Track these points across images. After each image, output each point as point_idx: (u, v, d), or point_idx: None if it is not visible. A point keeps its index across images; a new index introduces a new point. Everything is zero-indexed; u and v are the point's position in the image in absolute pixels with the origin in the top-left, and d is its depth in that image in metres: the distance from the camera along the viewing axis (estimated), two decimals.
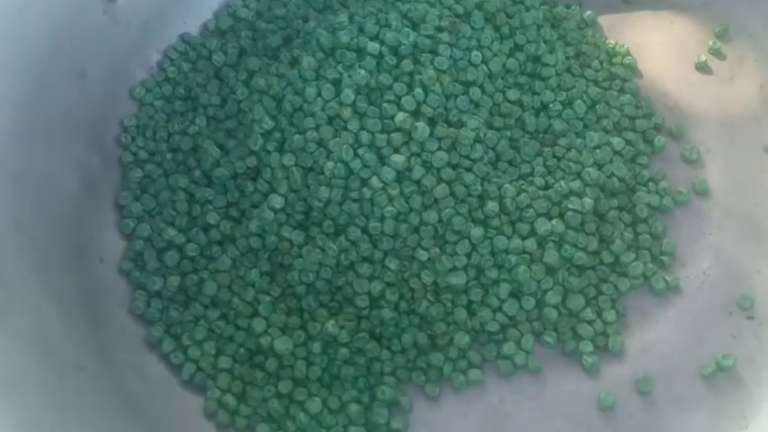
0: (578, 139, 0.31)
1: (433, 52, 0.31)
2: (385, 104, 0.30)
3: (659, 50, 0.34)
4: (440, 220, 0.29)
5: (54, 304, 0.27)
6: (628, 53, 0.34)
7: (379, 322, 0.29)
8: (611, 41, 0.34)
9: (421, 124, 0.29)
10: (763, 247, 0.30)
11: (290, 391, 0.28)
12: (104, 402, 0.26)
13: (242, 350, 0.29)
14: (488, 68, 0.31)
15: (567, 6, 0.35)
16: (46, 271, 0.27)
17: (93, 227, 0.30)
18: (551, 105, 0.31)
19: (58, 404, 0.24)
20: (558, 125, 0.31)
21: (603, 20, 0.35)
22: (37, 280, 0.26)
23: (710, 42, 0.34)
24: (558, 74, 0.32)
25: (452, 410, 0.28)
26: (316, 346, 0.28)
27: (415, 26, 0.31)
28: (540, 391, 0.28)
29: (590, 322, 0.29)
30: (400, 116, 0.29)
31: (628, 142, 0.31)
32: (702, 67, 0.34)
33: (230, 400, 0.28)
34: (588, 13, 0.35)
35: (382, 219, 0.29)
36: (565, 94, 0.32)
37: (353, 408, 0.28)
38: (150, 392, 0.28)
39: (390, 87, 0.30)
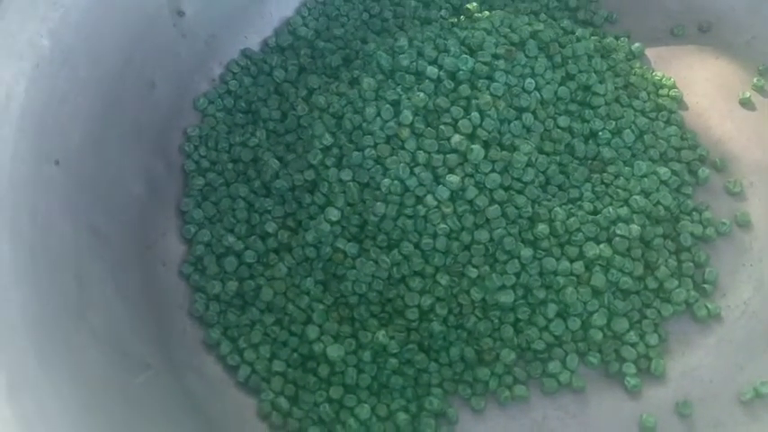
0: (626, 168, 0.32)
1: (490, 78, 0.32)
2: (442, 126, 0.31)
3: (704, 85, 0.35)
4: (491, 240, 0.30)
5: (124, 305, 0.28)
6: (674, 86, 0.35)
7: (428, 335, 0.30)
8: (659, 74, 0.36)
9: (476, 147, 0.30)
10: None
11: (341, 396, 0.29)
12: (166, 399, 0.28)
13: (295, 355, 0.30)
14: (541, 95, 0.33)
15: (617, 38, 0.37)
16: (117, 273, 0.29)
17: (156, 231, 0.32)
18: (600, 133, 0.33)
19: (125, 399, 0.26)
20: (606, 153, 0.32)
21: (651, 52, 0.37)
22: (110, 281, 0.28)
23: (755, 79, 0.35)
24: (607, 103, 0.33)
25: (497, 424, 0.29)
26: (366, 355, 0.29)
27: (472, 52, 0.32)
28: (582, 409, 0.29)
29: (633, 345, 0.30)
30: (456, 138, 0.31)
31: (674, 172, 0.32)
32: (746, 103, 0.35)
33: (283, 402, 0.29)
34: (636, 45, 0.36)
35: (435, 235, 0.30)
36: (614, 123, 0.33)
37: (401, 416, 0.29)
38: (208, 392, 0.29)
39: (447, 110, 0.31)
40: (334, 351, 0.29)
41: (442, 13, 0.37)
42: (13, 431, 0.21)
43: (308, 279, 0.31)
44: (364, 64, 0.34)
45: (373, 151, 0.31)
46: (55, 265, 0.26)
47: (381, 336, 0.30)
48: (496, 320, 0.30)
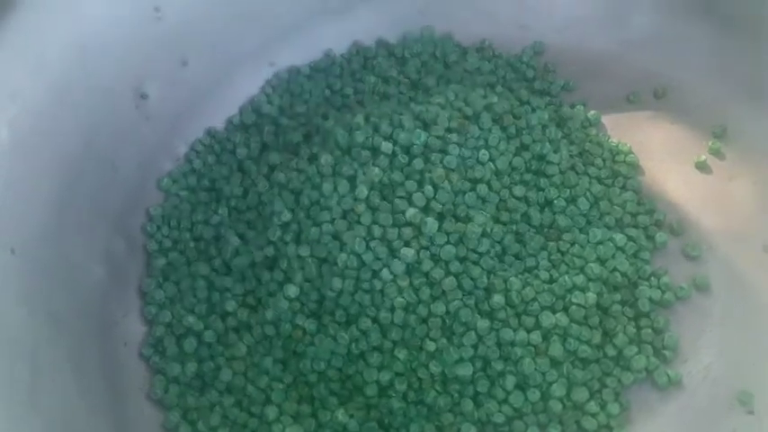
0: (582, 235, 0.32)
1: (443, 151, 0.32)
2: (397, 200, 0.31)
3: (660, 149, 0.36)
4: (447, 312, 0.30)
5: (81, 390, 0.28)
6: (630, 151, 0.36)
7: (387, 411, 0.29)
8: (615, 140, 0.36)
9: (430, 219, 0.31)
10: (763, 344, 0.30)
11: None
12: None
13: None
14: (495, 166, 0.33)
15: (572, 106, 0.37)
16: (75, 357, 0.29)
17: (118, 312, 0.32)
18: (555, 201, 0.33)
19: None
20: (562, 221, 0.33)
21: (607, 119, 0.37)
22: (67, 366, 0.28)
23: (710, 143, 0.35)
24: (561, 171, 0.34)
25: None
26: None
27: (426, 127, 0.33)
28: None
29: (594, 415, 0.29)
30: (411, 211, 0.31)
31: (630, 238, 0.33)
32: (702, 167, 0.35)
33: None
34: (592, 112, 0.37)
35: (392, 309, 0.30)
36: (569, 191, 0.33)
37: None
38: None
39: (402, 184, 0.32)
40: None
41: (401, 88, 0.38)
42: None
43: (267, 358, 0.31)
44: (323, 140, 0.34)
45: (330, 226, 0.31)
46: (7, 353, 0.26)
47: (341, 414, 0.29)
48: (456, 394, 0.30)
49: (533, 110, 0.36)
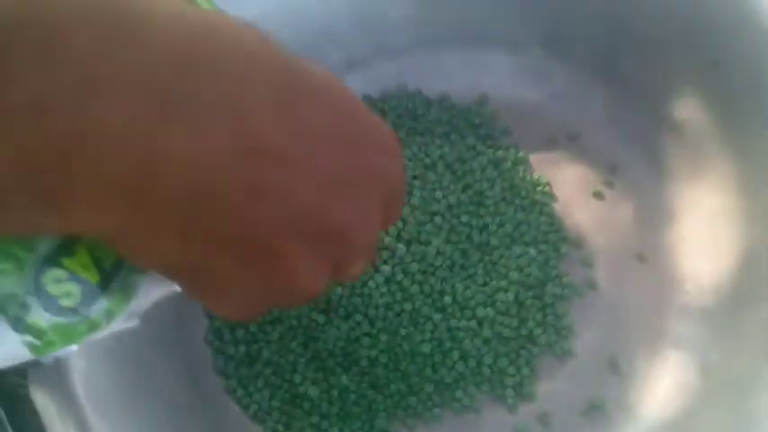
0: (507, 251, 0.46)
1: (410, 194, 0.46)
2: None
3: (570, 181, 0.49)
4: (413, 309, 0.44)
5: (167, 366, 0.42)
6: (547, 184, 0.49)
7: (375, 376, 0.44)
8: (536, 175, 0.49)
9: (401, 245, 0.45)
10: (629, 327, 0.44)
11: (318, 422, 0.43)
12: (204, 428, 0.42)
13: (287, 395, 0.44)
14: (448, 202, 0.47)
15: (507, 148, 0.50)
16: (162, 344, 0.43)
17: (189, 311, 0.46)
18: (490, 226, 0.47)
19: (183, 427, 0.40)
20: (494, 240, 0.46)
21: (532, 157, 0.50)
22: (158, 348, 0.42)
23: (603, 176, 0.49)
24: (495, 203, 0.47)
25: None
26: (335, 393, 0.44)
27: None
28: (478, 421, 0.43)
29: (512, 376, 0.44)
30: (387, 239, 0.45)
31: (541, 252, 0.46)
32: (597, 195, 0.49)
33: (280, 428, 0.44)
34: (521, 153, 0.50)
35: (377, 307, 0.45)
36: (499, 218, 0.47)
37: None
38: (229, 423, 0.44)
39: None
40: (313, 391, 0.44)
41: None
42: None
43: (293, 342, 0.45)
44: None
45: None
46: (119, 351, 0.41)
47: (344, 379, 0.44)
48: (420, 364, 0.44)
49: (477, 153, 0.49)
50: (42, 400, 0.37)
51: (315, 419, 0.43)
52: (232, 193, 0.20)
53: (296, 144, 0.21)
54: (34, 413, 0.38)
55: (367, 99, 0.53)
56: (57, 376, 0.37)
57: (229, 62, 0.20)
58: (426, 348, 0.44)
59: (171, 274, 0.23)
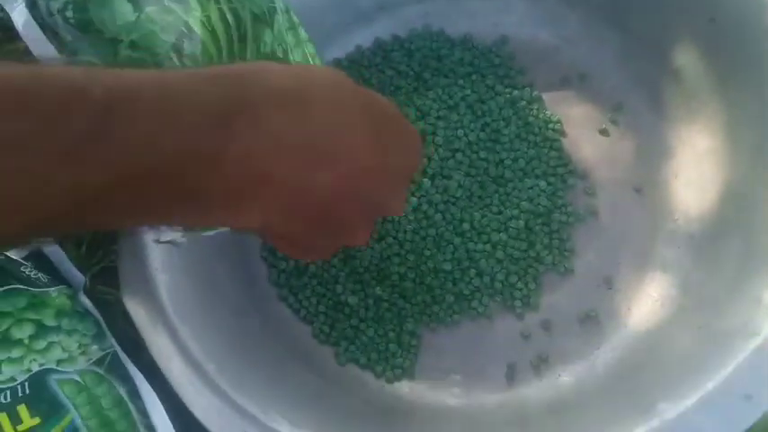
0: (519, 183, 0.53)
1: (434, 133, 0.53)
2: None
3: (579, 119, 0.55)
4: (437, 234, 0.52)
5: (236, 283, 0.51)
6: (559, 121, 0.55)
7: (404, 288, 0.52)
8: (548, 113, 0.55)
9: (426, 180, 0.52)
10: (624, 250, 0.51)
11: (357, 324, 0.52)
12: (257, 330, 0.51)
13: (330, 302, 0.53)
14: (468, 139, 0.53)
15: (523, 88, 0.56)
16: (230, 266, 0.51)
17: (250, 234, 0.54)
18: (505, 161, 0.53)
19: (245, 330, 0.49)
20: (507, 174, 0.53)
21: (545, 96, 0.56)
22: (226, 272, 0.51)
23: (609, 115, 0.55)
24: (510, 140, 0.54)
25: (444, 337, 0.52)
26: (370, 301, 0.52)
27: (423, 116, 0.53)
28: (491, 326, 0.51)
29: (520, 290, 0.51)
30: (414, 174, 0.52)
31: (550, 183, 0.53)
32: (603, 132, 0.55)
33: (325, 328, 0.52)
34: (535, 93, 0.56)
35: (405, 232, 0.52)
36: (513, 153, 0.53)
37: (391, 334, 0.52)
38: (282, 326, 0.52)
39: None
40: (352, 299, 0.52)
41: (408, 80, 0.57)
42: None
43: (335, 258, 0.53)
44: None
45: None
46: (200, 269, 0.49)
47: (378, 290, 0.52)
48: (442, 279, 0.52)
49: (495, 95, 0.55)
50: (134, 307, 0.46)
51: (354, 322, 0.52)
52: (347, 199, 0.30)
53: (381, 159, 0.31)
54: (125, 317, 0.46)
55: (396, 38, 0.59)
56: (145, 287, 0.46)
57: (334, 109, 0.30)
58: (447, 266, 0.51)
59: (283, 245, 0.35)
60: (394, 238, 0.52)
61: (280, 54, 0.44)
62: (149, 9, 0.40)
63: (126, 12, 0.40)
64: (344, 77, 0.32)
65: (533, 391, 0.49)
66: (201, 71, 0.29)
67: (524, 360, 0.50)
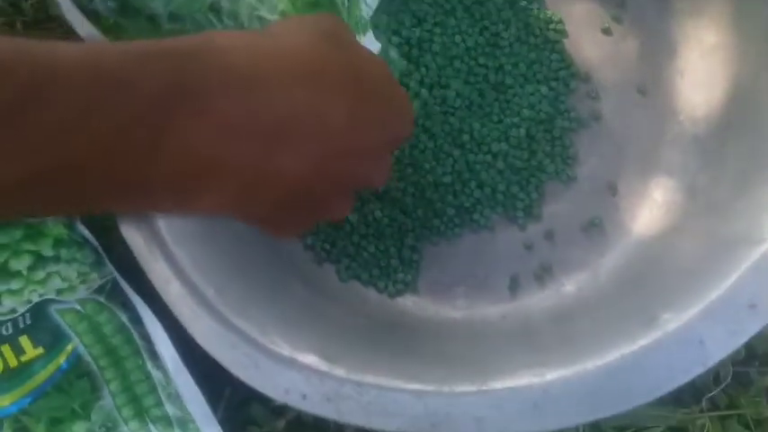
0: (520, 89, 0.51)
1: (431, 41, 0.50)
2: (404, 79, 0.50)
3: (581, 17, 0.53)
4: (435, 146, 0.50)
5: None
6: (560, 21, 0.52)
7: (404, 204, 0.51)
8: (549, 12, 0.53)
9: (424, 90, 0.50)
10: (628, 155, 0.50)
11: (358, 241, 0.51)
12: (256, 254, 0.50)
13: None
14: (466, 45, 0.51)
15: None
16: None
17: None
18: (505, 66, 0.51)
19: (241, 254, 0.49)
20: (508, 80, 0.51)
21: None
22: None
23: (612, 12, 0.52)
24: (510, 44, 0.51)
25: (446, 251, 0.51)
26: (370, 218, 0.51)
27: (420, 22, 0.51)
28: (493, 237, 0.51)
29: (522, 200, 0.50)
30: (411, 84, 0.50)
31: (551, 88, 0.51)
32: (606, 31, 0.52)
33: (327, 246, 0.52)
34: None
35: (403, 148, 0.51)
36: (514, 58, 0.51)
37: (392, 250, 0.51)
38: (284, 247, 0.52)
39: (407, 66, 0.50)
40: (352, 217, 0.51)
41: None
42: None
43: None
44: None
45: None
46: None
47: (377, 210, 0.51)
48: (443, 192, 0.51)
49: None
50: (131, 233, 0.45)
51: (355, 239, 0.51)
52: (316, 182, 0.28)
53: (357, 137, 0.29)
54: (123, 243, 0.46)
55: None
56: (142, 216, 0.45)
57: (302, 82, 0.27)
58: (447, 179, 0.50)
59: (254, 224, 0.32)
60: (391, 152, 0.51)
61: None
62: None
63: None
64: (329, 33, 0.29)
65: (536, 301, 0.48)
66: (142, 49, 0.25)
67: (527, 271, 0.49)
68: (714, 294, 0.37)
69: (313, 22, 0.30)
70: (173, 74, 0.24)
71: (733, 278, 0.37)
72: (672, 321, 0.38)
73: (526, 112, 0.50)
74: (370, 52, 0.32)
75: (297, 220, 0.32)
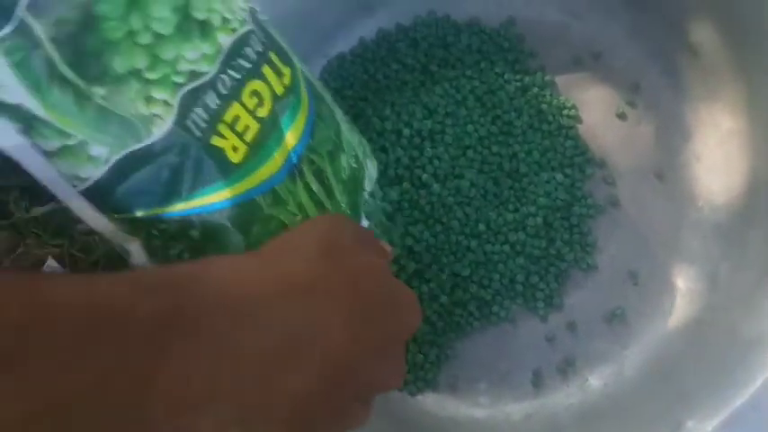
0: (535, 176, 0.51)
1: (443, 132, 0.50)
2: (415, 170, 0.50)
3: (594, 103, 0.52)
4: (452, 238, 0.50)
5: None
6: (573, 106, 0.52)
7: (424, 301, 0.50)
8: (562, 98, 0.52)
9: (437, 185, 0.49)
10: (647, 241, 0.49)
11: None
12: None
13: None
14: (478, 134, 0.51)
15: (534, 73, 0.53)
16: None
17: None
18: (519, 154, 0.51)
19: None
20: (522, 168, 0.51)
21: (558, 79, 0.53)
22: None
23: (626, 97, 0.52)
24: (523, 131, 0.51)
25: (467, 345, 0.50)
26: None
27: (431, 113, 0.51)
28: (514, 330, 0.50)
29: (542, 290, 0.50)
30: (424, 177, 0.50)
31: (567, 175, 0.51)
32: (621, 115, 0.52)
33: None
34: (547, 77, 0.53)
35: (421, 243, 0.50)
36: (527, 145, 0.51)
37: (412, 345, 0.50)
38: None
39: (419, 158, 0.50)
40: None
41: (414, 74, 0.54)
42: None
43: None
44: (365, 125, 0.52)
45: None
46: None
47: None
48: (463, 284, 0.50)
49: (506, 81, 0.52)
50: None
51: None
52: (324, 399, 0.27)
53: (364, 347, 0.28)
54: None
55: (400, 28, 0.56)
56: None
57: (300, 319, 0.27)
58: (466, 271, 0.50)
59: None
60: (409, 256, 0.50)
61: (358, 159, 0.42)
62: None
63: None
64: (326, 244, 0.29)
65: (561, 398, 0.47)
66: (136, 279, 0.25)
67: (550, 365, 0.48)
68: (738, 402, 0.36)
69: (308, 236, 0.30)
70: (169, 302, 0.24)
71: (758, 383, 0.36)
72: (696, 430, 0.36)
73: (542, 200, 0.50)
74: (368, 257, 0.31)
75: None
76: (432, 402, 0.49)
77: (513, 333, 0.50)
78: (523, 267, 0.50)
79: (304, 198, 0.36)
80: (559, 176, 0.51)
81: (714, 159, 0.48)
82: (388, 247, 0.37)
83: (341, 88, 0.55)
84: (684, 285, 0.47)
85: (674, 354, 0.45)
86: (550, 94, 0.53)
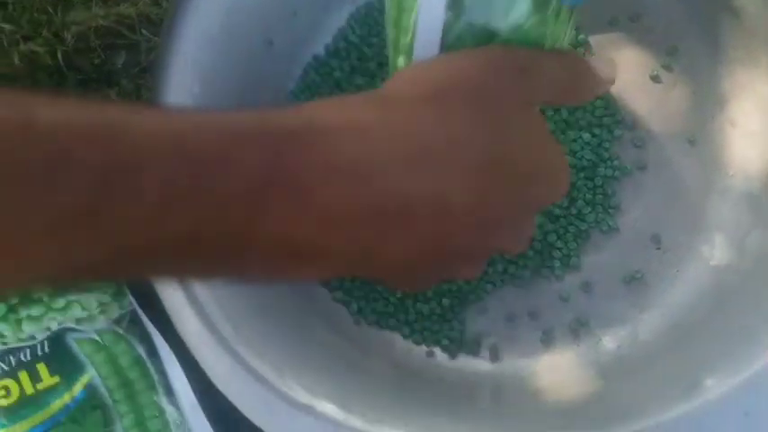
0: (562, 135, 0.49)
1: None
2: None
3: (629, 64, 0.51)
4: None
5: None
6: None
7: None
8: (596, 57, 0.51)
9: None
10: (674, 206, 0.47)
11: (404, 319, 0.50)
12: (276, 292, 0.49)
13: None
14: None
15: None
16: None
17: None
18: (546, 111, 0.49)
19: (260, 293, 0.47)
20: (549, 125, 0.49)
21: (593, 39, 0.52)
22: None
23: (662, 60, 0.50)
24: None
25: (494, 300, 0.49)
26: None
27: None
28: (531, 287, 0.48)
29: (560, 249, 0.48)
30: None
31: (594, 135, 0.49)
32: (655, 78, 0.50)
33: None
34: (581, 36, 0.52)
35: None
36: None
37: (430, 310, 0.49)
38: (305, 289, 0.50)
39: None
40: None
41: None
42: None
43: None
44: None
45: None
46: None
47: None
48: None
49: None
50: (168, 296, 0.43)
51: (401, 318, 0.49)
52: (437, 257, 0.25)
53: (489, 215, 0.25)
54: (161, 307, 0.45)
55: None
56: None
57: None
58: None
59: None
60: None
61: None
62: None
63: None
64: (472, 93, 0.24)
65: (571, 356, 0.46)
66: (236, 126, 0.22)
67: (563, 324, 0.47)
68: (762, 362, 0.34)
69: (449, 79, 0.25)
70: (269, 159, 0.22)
71: None
72: (715, 388, 0.35)
73: (567, 159, 0.48)
74: (532, 112, 0.27)
75: (417, 282, 0.28)
76: (437, 352, 0.47)
77: (526, 290, 0.48)
78: (542, 226, 0.48)
79: None
80: (586, 136, 0.49)
81: (750, 126, 0.46)
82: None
83: (367, 35, 0.54)
84: (709, 252, 0.46)
85: (695, 320, 0.43)
86: (583, 53, 0.51)
